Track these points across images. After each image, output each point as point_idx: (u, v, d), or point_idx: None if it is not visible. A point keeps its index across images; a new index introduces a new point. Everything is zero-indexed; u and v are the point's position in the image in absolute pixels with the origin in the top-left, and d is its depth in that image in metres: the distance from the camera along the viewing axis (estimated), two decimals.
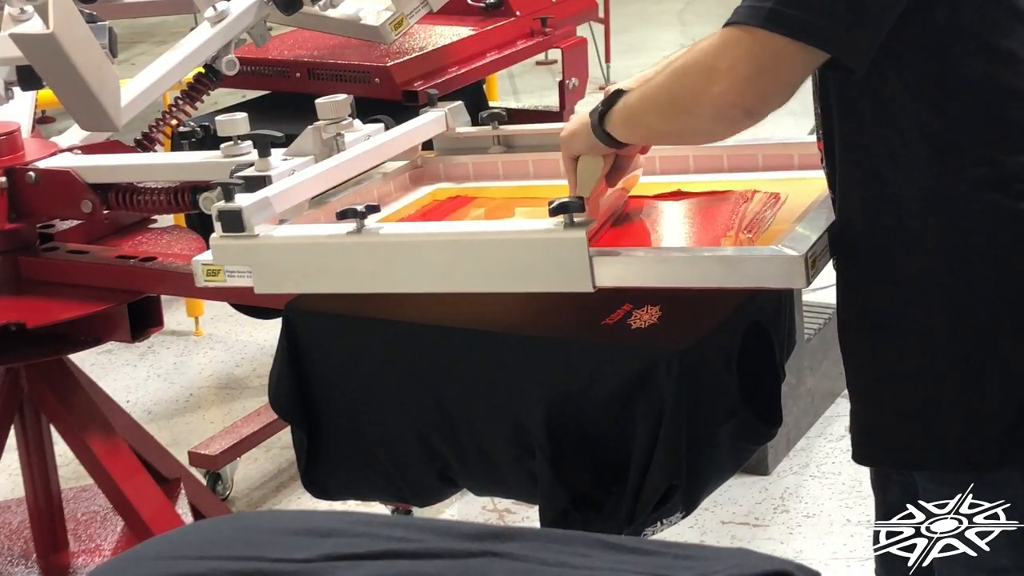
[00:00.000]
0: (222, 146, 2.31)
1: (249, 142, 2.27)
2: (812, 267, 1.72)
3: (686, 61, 1.69)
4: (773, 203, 2.01)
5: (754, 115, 1.66)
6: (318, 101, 2.27)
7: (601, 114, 1.84)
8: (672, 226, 2.05)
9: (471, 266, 1.87)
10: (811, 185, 1.97)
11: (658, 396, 1.86)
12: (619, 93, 1.84)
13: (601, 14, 6.64)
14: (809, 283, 1.71)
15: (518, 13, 3.75)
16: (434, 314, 2.10)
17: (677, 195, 2.12)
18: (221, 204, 1.97)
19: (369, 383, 2.12)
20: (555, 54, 4.25)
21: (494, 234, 1.88)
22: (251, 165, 2.18)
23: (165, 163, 2.45)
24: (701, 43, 1.68)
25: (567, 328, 2.02)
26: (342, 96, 2.28)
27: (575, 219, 1.79)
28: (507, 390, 2.00)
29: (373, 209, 1.94)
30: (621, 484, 1.94)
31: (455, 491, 2.29)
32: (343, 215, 1.92)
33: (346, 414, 2.15)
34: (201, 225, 3.03)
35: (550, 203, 1.80)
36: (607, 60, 6.95)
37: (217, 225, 1.97)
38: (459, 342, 2.05)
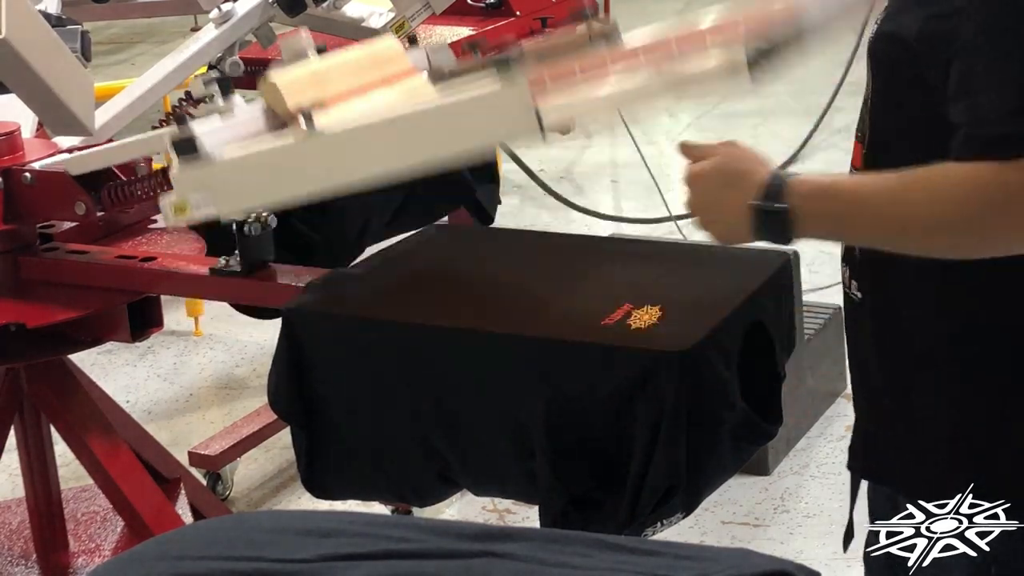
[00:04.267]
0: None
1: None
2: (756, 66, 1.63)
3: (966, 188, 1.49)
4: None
5: None
6: (280, 43, 2.26)
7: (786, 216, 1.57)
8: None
9: (422, 138, 1.89)
10: None
11: (658, 397, 1.86)
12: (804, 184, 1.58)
13: (601, 14, 6.64)
14: (754, 81, 1.61)
15: (518, 13, 3.75)
16: (434, 314, 2.10)
17: None
18: (174, 130, 1.98)
19: (368, 383, 2.12)
20: None
21: (439, 103, 1.90)
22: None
23: (141, 139, 2.42)
24: (951, 180, 1.49)
25: (567, 329, 2.02)
26: (304, 33, 2.25)
27: (512, 67, 1.80)
28: (507, 391, 2.00)
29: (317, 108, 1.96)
30: (621, 485, 1.94)
31: (455, 491, 2.29)
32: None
33: (346, 414, 2.15)
34: (204, 225, 3.03)
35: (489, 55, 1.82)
36: None
37: (174, 157, 1.98)
38: (459, 342, 2.05)
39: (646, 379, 1.86)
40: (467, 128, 1.86)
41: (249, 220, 2.36)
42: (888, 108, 1.62)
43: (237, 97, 2.17)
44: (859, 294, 1.73)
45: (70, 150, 2.58)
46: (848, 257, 1.74)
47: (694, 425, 1.89)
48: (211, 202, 2.01)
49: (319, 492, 2.25)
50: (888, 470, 1.79)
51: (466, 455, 2.08)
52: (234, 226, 2.37)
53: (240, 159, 2.00)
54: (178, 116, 2.00)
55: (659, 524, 1.97)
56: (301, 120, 1.93)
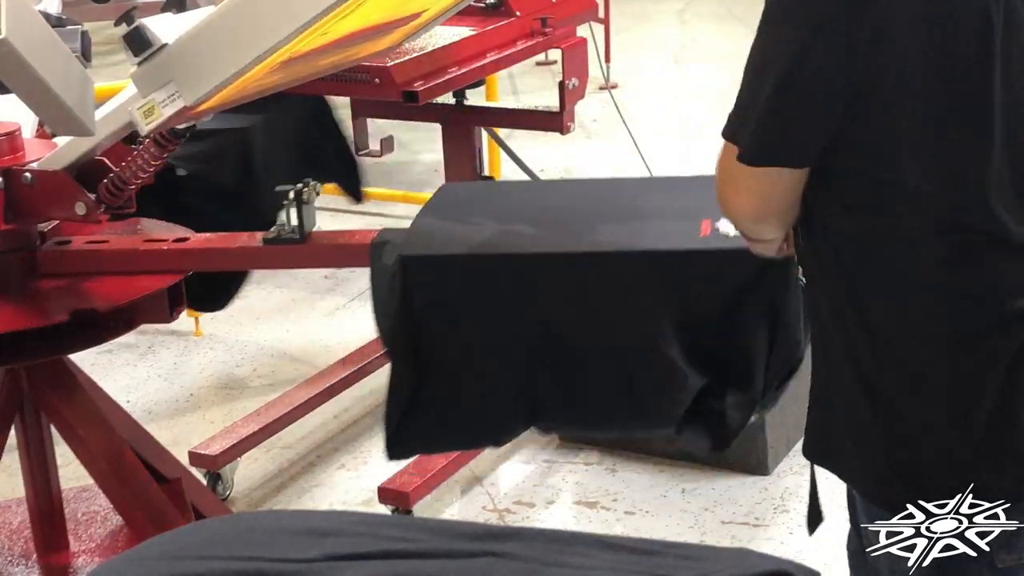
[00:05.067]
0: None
1: None
2: None
3: None
4: None
5: (760, 219, 1.74)
6: None
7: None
8: None
9: None
10: None
11: (771, 288, 1.99)
12: None
13: (601, 14, 6.64)
14: None
15: (518, 13, 3.75)
16: (542, 244, 2.16)
17: None
18: (123, 28, 1.99)
19: (478, 324, 2.15)
20: (555, 54, 4.25)
21: None
22: None
23: (109, 111, 2.43)
24: None
25: (675, 241, 2.11)
26: None
27: None
28: (627, 305, 2.05)
29: None
30: (745, 379, 2.07)
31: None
32: None
33: (457, 353, 2.17)
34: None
35: None
36: (607, 60, 6.94)
37: (129, 56, 1.99)
38: (573, 265, 2.12)
39: (758, 275, 1.97)
40: None
41: (305, 187, 2.40)
42: None
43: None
44: (803, 279, 1.83)
45: None
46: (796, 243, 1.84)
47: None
48: (176, 94, 2.00)
49: (403, 450, 2.27)
50: (821, 450, 1.83)
51: (574, 385, 2.12)
52: (290, 195, 2.40)
53: (191, 37, 1.99)
54: (127, 16, 1.99)
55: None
56: None
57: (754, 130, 1.65)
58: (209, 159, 3.08)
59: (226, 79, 2.04)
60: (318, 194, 2.46)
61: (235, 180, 3.12)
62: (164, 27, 2.04)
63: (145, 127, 2.05)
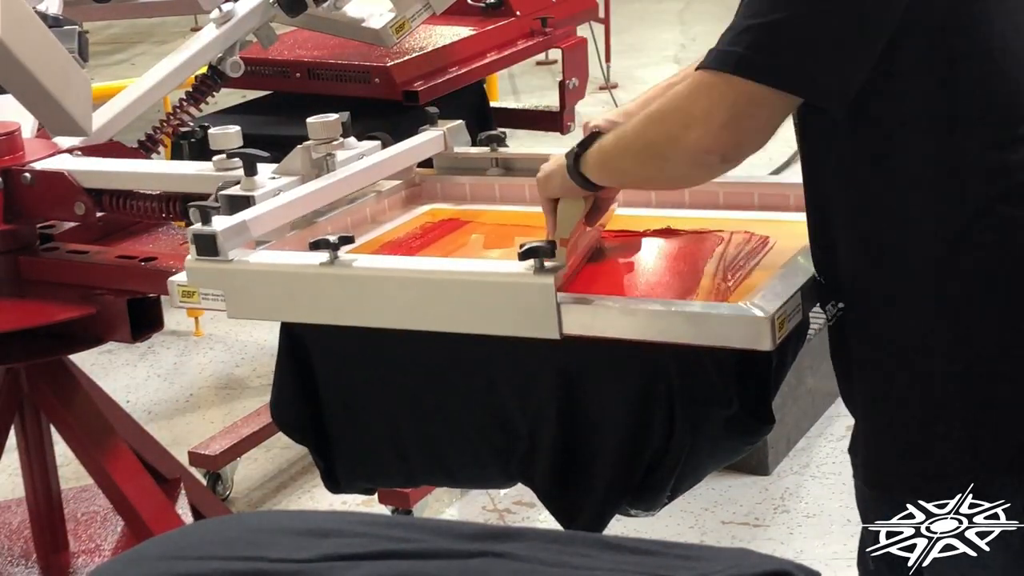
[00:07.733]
0: (214, 159, 2.29)
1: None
2: (780, 328, 1.69)
3: (662, 106, 1.68)
4: (760, 247, 1.98)
5: (730, 160, 1.65)
6: (309, 120, 2.22)
7: (576, 156, 1.82)
8: (652, 267, 2.03)
9: (439, 305, 1.85)
10: (803, 229, 1.92)
11: (656, 396, 1.86)
12: (596, 135, 1.82)
13: (601, 14, 6.64)
14: (775, 344, 1.69)
15: (518, 13, 3.75)
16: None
17: (666, 232, 2.10)
18: (196, 227, 1.96)
19: (367, 388, 2.11)
20: (555, 54, 4.26)
21: (464, 274, 1.85)
22: (239, 182, 2.15)
23: (157, 172, 2.43)
24: (677, 87, 1.68)
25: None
26: (333, 116, 2.23)
27: (545, 264, 1.77)
28: (494, 387, 1.98)
29: (347, 240, 1.92)
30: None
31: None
32: (316, 245, 1.91)
33: (348, 416, 2.14)
34: None
35: (520, 246, 1.77)
36: (607, 60, 6.94)
37: (192, 248, 1.96)
38: (448, 348, 2.03)
39: (648, 380, 1.86)
40: (483, 308, 1.82)
41: None
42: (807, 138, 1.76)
43: (259, 176, 2.14)
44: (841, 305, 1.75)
45: (70, 150, 2.57)
46: (824, 274, 1.77)
47: (688, 428, 1.88)
48: (222, 301, 1.98)
49: (338, 487, 2.24)
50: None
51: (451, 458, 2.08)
52: None
53: (257, 270, 1.96)
54: (203, 211, 1.98)
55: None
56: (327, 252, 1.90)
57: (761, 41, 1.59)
58: None
59: (276, 319, 2.07)
60: None
61: None
62: (232, 228, 1.97)
63: (178, 302, 2.02)
